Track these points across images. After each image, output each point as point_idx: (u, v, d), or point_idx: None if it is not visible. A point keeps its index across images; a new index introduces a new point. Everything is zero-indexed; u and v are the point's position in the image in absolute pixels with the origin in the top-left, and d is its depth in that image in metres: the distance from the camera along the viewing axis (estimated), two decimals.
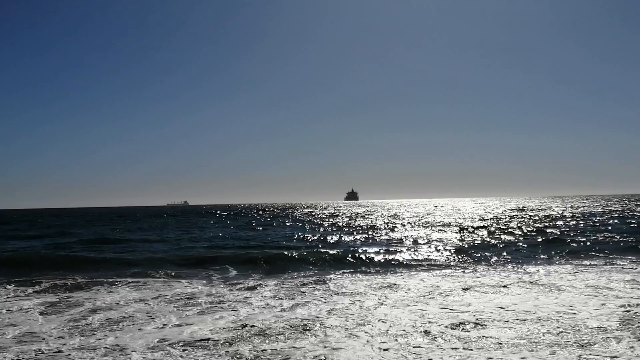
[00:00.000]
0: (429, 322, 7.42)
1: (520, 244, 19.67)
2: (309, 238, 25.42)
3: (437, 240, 21.18)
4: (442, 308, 8.41)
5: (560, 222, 32.62)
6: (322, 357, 5.86)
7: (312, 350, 6.14)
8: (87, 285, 11.97)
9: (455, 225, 31.01)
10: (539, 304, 8.55)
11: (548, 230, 25.90)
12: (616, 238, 21.13)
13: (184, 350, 6.31)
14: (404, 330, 6.98)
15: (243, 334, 6.96)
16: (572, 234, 23.51)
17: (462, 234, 24.62)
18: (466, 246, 18.79)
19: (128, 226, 41.76)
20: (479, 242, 20.40)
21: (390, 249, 18.01)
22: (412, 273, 13.14)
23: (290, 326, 7.34)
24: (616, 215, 41.43)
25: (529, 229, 27.19)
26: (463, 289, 10.29)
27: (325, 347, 6.26)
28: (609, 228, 27.00)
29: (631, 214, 43.09)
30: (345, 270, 13.95)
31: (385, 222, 38.14)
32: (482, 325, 7.16)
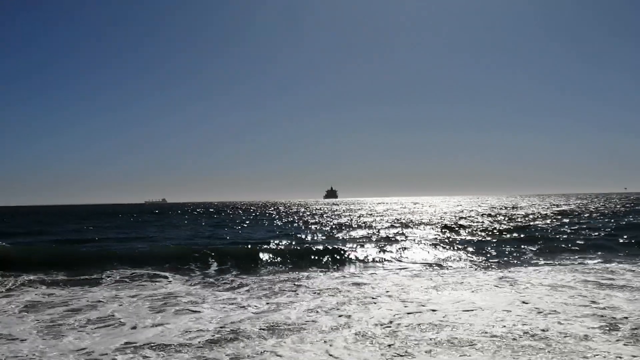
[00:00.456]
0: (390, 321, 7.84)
1: (495, 241, 20.25)
2: (289, 234, 25.69)
3: (411, 239, 21.65)
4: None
5: (540, 221, 33.25)
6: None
7: (288, 355, 6.46)
8: (65, 284, 12.11)
9: (429, 224, 31.57)
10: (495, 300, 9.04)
11: (525, 228, 26.57)
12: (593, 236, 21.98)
13: (156, 352, 6.42)
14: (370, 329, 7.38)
15: (221, 336, 7.11)
16: (552, 233, 24.12)
17: (436, 231, 25.21)
18: (440, 244, 19.29)
19: (106, 224, 41.42)
20: (452, 240, 20.93)
21: (365, 246, 18.44)
22: (384, 271, 13.61)
23: (266, 327, 7.55)
24: (602, 213, 42.48)
25: (505, 226, 27.83)
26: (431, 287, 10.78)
27: (295, 351, 6.60)
28: (599, 226, 27.75)
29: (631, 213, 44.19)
30: (320, 269, 14.44)
31: (360, 220, 38.65)
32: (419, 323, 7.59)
